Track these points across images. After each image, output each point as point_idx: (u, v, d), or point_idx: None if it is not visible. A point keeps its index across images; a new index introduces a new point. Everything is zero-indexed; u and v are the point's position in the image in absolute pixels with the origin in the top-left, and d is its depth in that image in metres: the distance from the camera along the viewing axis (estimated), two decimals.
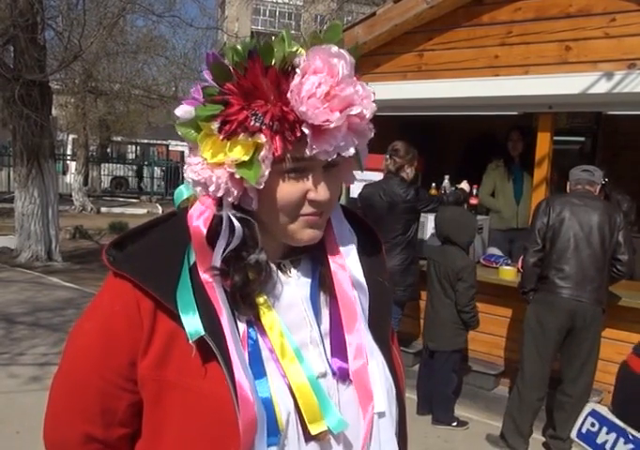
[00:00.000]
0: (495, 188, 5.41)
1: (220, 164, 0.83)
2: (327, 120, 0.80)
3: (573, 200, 3.61)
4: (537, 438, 3.79)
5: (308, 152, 0.82)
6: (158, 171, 22.20)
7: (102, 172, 21.35)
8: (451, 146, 6.78)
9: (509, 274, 4.37)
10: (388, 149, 4.34)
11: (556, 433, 3.66)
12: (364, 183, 4.52)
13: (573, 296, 3.46)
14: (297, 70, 0.81)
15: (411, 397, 4.06)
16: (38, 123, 8.20)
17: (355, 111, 0.82)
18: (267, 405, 0.83)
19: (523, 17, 4.31)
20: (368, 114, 0.85)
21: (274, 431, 0.83)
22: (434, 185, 5.17)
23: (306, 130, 0.80)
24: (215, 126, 0.83)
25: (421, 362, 4.27)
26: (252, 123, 0.81)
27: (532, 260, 3.60)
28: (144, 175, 22.58)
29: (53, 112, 12.46)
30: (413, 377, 4.18)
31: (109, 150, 23.50)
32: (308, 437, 0.86)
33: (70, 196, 16.37)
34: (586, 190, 3.64)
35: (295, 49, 0.82)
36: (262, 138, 0.81)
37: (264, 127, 0.81)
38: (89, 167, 18.83)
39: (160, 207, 17.41)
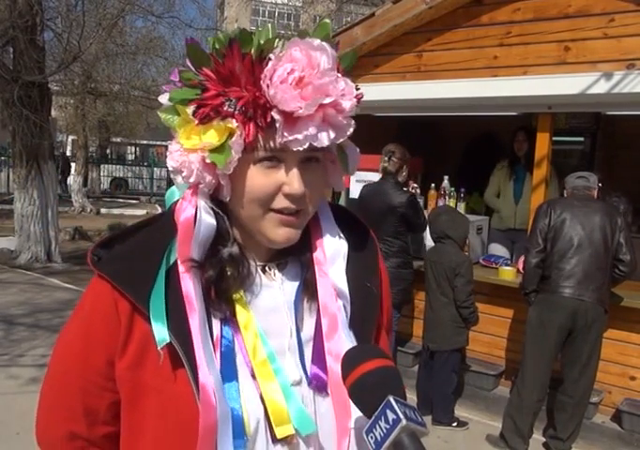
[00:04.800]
0: (499, 189, 5.42)
1: (195, 149, 0.84)
2: (298, 107, 0.79)
3: (574, 202, 3.62)
4: (537, 438, 3.79)
5: (279, 139, 0.81)
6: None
7: (102, 173, 21.34)
8: (451, 147, 6.78)
9: (508, 274, 4.38)
10: (384, 151, 4.35)
11: (557, 433, 3.66)
12: (364, 183, 4.53)
13: (575, 295, 3.45)
14: (271, 56, 0.81)
15: (411, 397, 4.07)
16: (38, 124, 8.20)
17: (328, 100, 0.81)
18: (235, 409, 0.83)
19: (522, 17, 4.31)
20: (347, 109, 0.84)
21: (240, 434, 0.82)
22: (433, 185, 5.17)
23: (276, 116, 0.80)
24: (190, 110, 0.83)
25: (421, 362, 4.27)
26: (226, 108, 0.82)
27: (534, 260, 3.60)
28: (144, 177, 22.57)
29: (53, 113, 12.45)
30: (413, 377, 4.18)
31: (108, 151, 23.47)
32: (276, 440, 0.85)
33: (70, 197, 16.36)
34: (585, 194, 3.67)
35: (275, 38, 0.82)
36: (233, 123, 0.81)
37: (236, 113, 0.81)
38: (89, 168, 18.82)
39: (159, 208, 17.40)
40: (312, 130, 0.81)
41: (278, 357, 0.88)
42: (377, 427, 0.72)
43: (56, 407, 0.94)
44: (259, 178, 0.85)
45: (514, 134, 5.23)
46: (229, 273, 0.88)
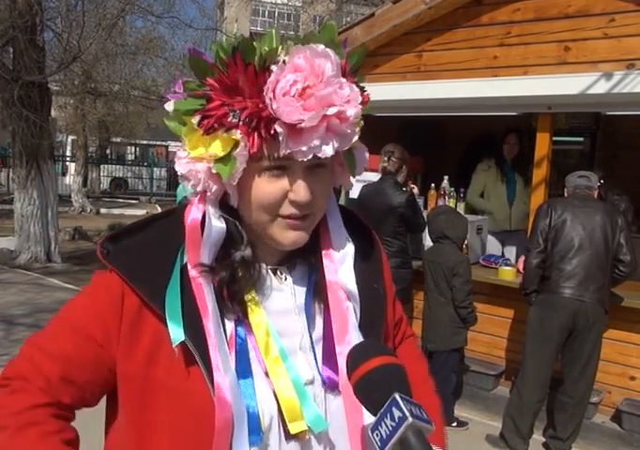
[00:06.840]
0: (485, 190, 5.29)
1: (202, 158, 0.84)
2: (300, 119, 0.79)
3: (575, 202, 3.62)
4: (537, 438, 3.79)
5: (282, 151, 0.81)
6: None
7: (102, 173, 21.34)
8: (451, 147, 6.77)
9: (508, 274, 4.38)
10: (383, 151, 4.35)
11: (557, 433, 3.66)
12: (364, 183, 4.52)
13: (576, 296, 3.45)
14: (273, 68, 0.80)
15: None
16: (38, 124, 8.20)
17: (331, 111, 0.80)
18: (251, 406, 0.84)
19: (522, 17, 4.31)
20: (351, 116, 0.83)
21: (256, 431, 0.83)
22: (433, 185, 5.17)
23: (279, 129, 0.80)
24: (195, 120, 0.83)
25: None
26: (230, 119, 0.81)
27: (535, 261, 3.59)
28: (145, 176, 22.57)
29: (53, 113, 12.45)
30: None
31: (108, 151, 23.47)
32: (289, 436, 0.86)
33: (70, 197, 16.36)
34: (586, 194, 3.66)
35: (278, 47, 0.81)
36: (237, 134, 0.81)
37: (240, 124, 0.81)
38: (88, 168, 18.81)
39: (159, 208, 17.40)
40: (315, 142, 0.81)
41: (290, 356, 0.89)
42: (383, 424, 0.71)
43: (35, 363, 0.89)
44: (265, 186, 0.85)
45: (504, 136, 5.14)
46: (240, 274, 0.89)
